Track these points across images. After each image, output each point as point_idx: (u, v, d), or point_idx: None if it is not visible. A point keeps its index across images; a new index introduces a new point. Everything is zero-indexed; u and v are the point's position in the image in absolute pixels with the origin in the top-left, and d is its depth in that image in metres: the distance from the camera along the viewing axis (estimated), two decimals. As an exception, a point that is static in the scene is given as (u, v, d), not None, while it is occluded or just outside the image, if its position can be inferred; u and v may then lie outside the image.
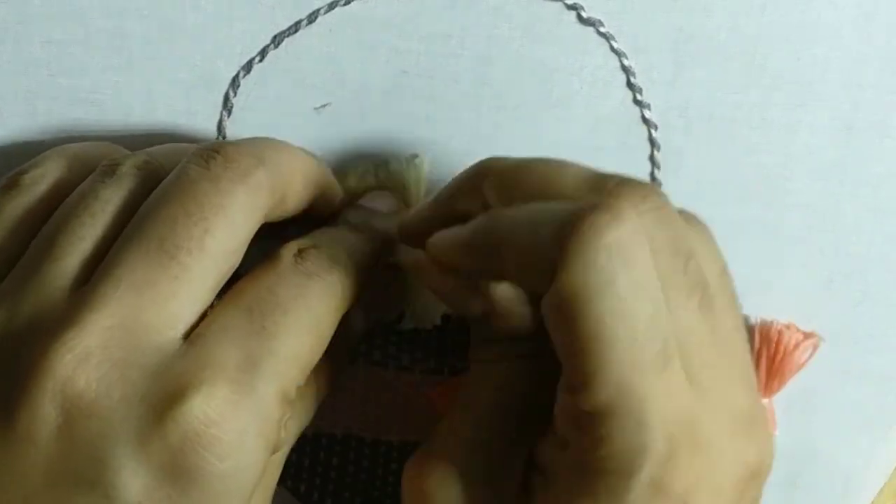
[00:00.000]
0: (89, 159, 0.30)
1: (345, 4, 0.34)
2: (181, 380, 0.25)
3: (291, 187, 0.30)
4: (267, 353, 0.26)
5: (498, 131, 0.36)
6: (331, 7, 0.34)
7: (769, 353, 0.40)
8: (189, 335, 0.26)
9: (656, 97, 0.37)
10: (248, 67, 0.34)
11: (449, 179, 0.36)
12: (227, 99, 0.34)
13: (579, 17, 0.36)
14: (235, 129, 0.35)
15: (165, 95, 0.34)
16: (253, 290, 0.28)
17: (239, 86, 0.34)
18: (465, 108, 0.36)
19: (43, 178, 0.30)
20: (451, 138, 0.36)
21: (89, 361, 0.24)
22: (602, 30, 0.36)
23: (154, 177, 0.29)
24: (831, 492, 0.45)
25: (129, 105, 0.34)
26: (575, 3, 0.36)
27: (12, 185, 0.30)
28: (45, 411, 0.24)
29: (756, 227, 0.39)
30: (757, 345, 0.41)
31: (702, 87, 0.37)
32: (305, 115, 0.35)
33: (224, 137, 0.34)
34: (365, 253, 0.31)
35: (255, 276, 0.28)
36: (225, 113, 0.34)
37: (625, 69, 0.37)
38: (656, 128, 0.37)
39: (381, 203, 0.35)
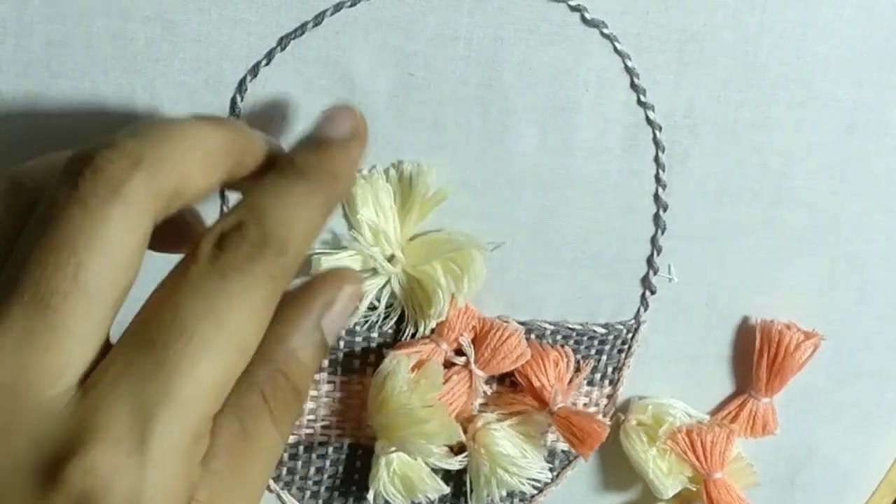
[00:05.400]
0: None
1: (350, 6, 0.33)
2: (66, 446, 0.23)
3: (188, 177, 0.26)
4: (164, 398, 0.24)
5: (505, 134, 0.36)
6: (337, 9, 0.33)
7: (770, 354, 0.41)
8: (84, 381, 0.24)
9: (660, 98, 0.37)
10: (254, 71, 0.33)
11: (456, 185, 0.36)
12: (234, 103, 0.33)
13: (583, 19, 0.36)
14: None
15: (170, 99, 0.33)
16: (157, 312, 0.25)
17: (246, 90, 0.33)
18: (472, 111, 0.36)
19: None
20: (459, 140, 0.36)
21: None
22: (606, 31, 0.36)
23: (20, 197, 0.26)
24: (830, 489, 0.45)
25: (133, 108, 0.33)
26: (579, 5, 0.35)
27: None
28: None
29: (758, 226, 0.40)
30: (758, 345, 0.41)
31: (705, 87, 0.37)
32: (313, 119, 0.34)
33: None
34: (312, 207, 0.27)
35: (162, 290, 0.25)
36: (233, 117, 0.34)
37: (629, 70, 0.37)
38: (661, 129, 0.37)
39: (335, 125, 0.30)
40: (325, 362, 0.38)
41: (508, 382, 0.39)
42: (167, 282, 0.25)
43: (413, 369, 0.36)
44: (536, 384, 0.38)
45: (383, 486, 0.37)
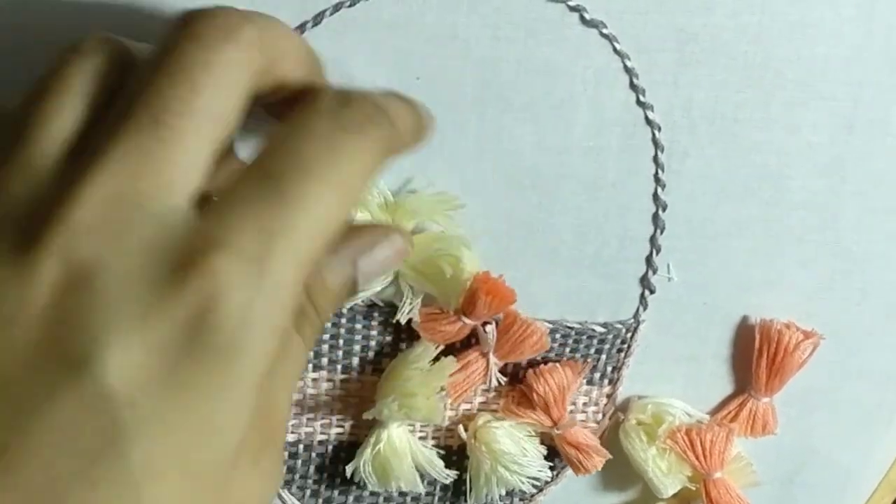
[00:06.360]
0: None
1: (350, 6, 0.34)
2: (184, 253, 0.23)
3: (283, 57, 0.27)
4: (283, 227, 0.24)
5: (503, 133, 0.36)
6: (336, 9, 0.34)
7: (769, 353, 0.41)
8: (197, 203, 0.24)
9: (659, 98, 0.37)
10: (254, 70, 0.33)
11: (454, 185, 0.36)
12: (233, 103, 0.34)
13: (582, 19, 0.36)
14: (243, 134, 0.34)
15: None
16: (278, 150, 0.25)
17: (246, 89, 0.34)
18: (470, 110, 0.36)
19: None
20: (457, 139, 0.36)
21: (87, 236, 0.23)
22: (605, 31, 0.36)
23: (116, 51, 0.27)
24: (830, 489, 0.45)
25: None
26: (578, 5, 0.35)
27: None
28: (38, 289, 0.22)
29: (758, 226, 0.40)
30: (757, 344, 0.41)
31: (704, 87, 0.37)
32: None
33: (233, 143, 0.34)
34: (411, 114, 0.29)
35: (284, 131, 0.26)
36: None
37: (628, 70, 0.37)
38: (660, 129, 0.37)
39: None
40: (325, 360, 0.38)
41: (519, 392, 0.39)
42: (284, 127, 0.26)
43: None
44: (556, 415, 0.39)
45: (363, 464, 0.37)
